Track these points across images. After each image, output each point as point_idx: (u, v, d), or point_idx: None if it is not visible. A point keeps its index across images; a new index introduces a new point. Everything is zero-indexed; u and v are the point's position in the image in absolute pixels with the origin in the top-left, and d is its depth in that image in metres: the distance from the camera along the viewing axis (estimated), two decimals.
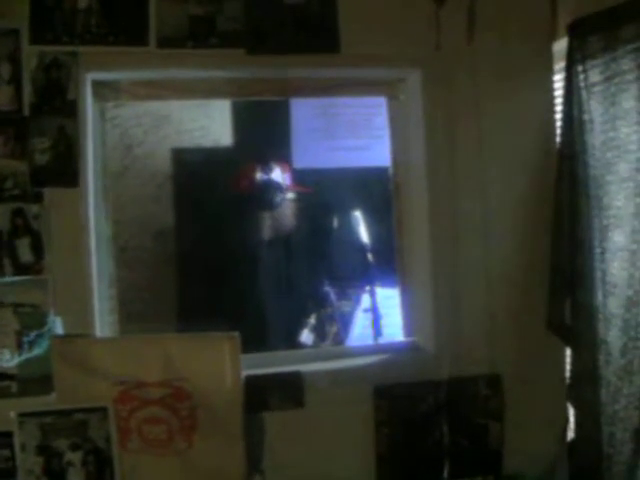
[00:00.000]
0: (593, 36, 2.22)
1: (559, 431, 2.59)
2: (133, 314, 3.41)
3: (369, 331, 3.21)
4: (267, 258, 3.51)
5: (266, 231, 3.53)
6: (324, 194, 3.65)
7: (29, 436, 2.18)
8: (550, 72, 2.60)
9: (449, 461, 2.54)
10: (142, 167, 3.85)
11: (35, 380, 2.21)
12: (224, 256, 3.45)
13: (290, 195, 3.52)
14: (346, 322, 3.43)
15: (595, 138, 2.27)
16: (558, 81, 2.57)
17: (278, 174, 3.47)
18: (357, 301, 3.44)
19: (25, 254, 2.23)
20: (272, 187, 3.45)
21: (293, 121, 3.67)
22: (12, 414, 2.17)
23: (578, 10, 2.31)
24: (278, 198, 3.46)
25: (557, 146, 2.51)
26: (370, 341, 3.14)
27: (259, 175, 3.45)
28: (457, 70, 2.51)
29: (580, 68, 2.30)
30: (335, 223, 3.67)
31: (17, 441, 2.18)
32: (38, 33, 2.23)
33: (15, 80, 2.22)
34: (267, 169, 3.45)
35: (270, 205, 3.47)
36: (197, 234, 3.71)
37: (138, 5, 2.30)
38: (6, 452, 2.18)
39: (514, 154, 2.57)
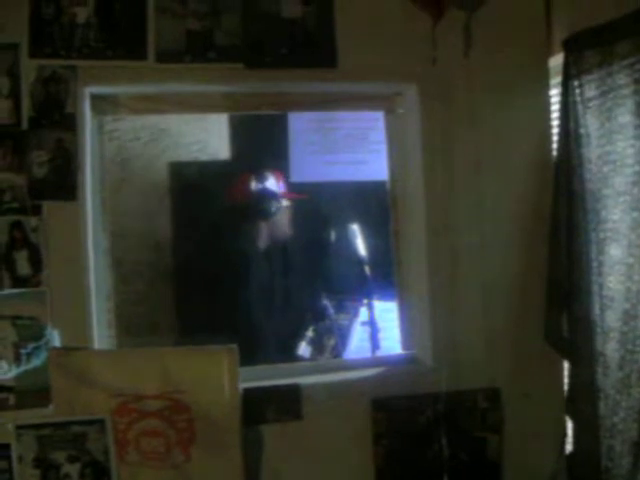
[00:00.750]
0: (588, 51, 2.24)
1: (558, 444, 2.58)
2: (131, 327, 3.41)
3: (367, 344, 3.20)
4: (265, 271, 3.52)
5: (263, 241, 3.55)
6: (322, 207, 3.66)
7: (26, 448, 2.18)
8: (546, 87, 2.61)
9: (448, 474, 2.52)
10: (140, 180, 3.85)
11: (33, 392, 2.21)
12: (222, 269, 3.44)
13: (285, 203, 3.55)
14: (344, 335, 3.42)
15: (591, 152, 2.28)
16: (554, 96, 2.58)
17: (272, 182, 3.51)
18: (355, 314, 3.44)
19: (23, 267, 2.23)
20: (267, 195, 3.48)
21: (291, 135, 3.68)
22: (9, 426, 2.17)
23: (573, 26, 2.33)
24: (273, 206, 3.49)
25: (554, 160, 2.52)
26: (368, 354, 3.13)
27: (253, 184, 3.48)
28: (454, 84, 2.52)
29: (576, 83, 2.31)
30: (333, 236, 3.69)
31: (14, 453, 2.18)
32: (37, 47, 2.24)
33: (14, 94, 2.23)
34: (261, 178, 3.49)
35: (265, 213, 3.50)
36: (195, 247, 3.71)
37: (136, 20, 2.31)
38: (3, 464, 2.18)
39: (511, 168, 2.58)
